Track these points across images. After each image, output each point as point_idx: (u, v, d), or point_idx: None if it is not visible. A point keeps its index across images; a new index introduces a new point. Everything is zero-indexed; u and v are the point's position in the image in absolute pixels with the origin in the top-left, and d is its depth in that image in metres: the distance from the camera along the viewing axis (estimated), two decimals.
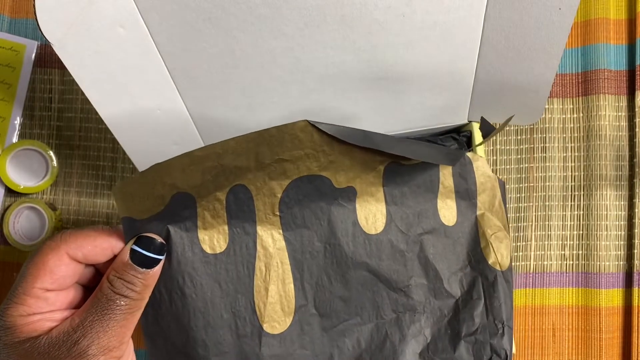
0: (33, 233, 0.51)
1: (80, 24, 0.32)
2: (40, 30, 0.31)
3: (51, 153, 0.52)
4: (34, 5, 0.30)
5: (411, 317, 0.33)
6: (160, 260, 0.29)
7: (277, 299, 0.31)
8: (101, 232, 0.30)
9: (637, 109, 0.51)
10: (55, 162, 0.52)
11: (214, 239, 0.31)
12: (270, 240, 0.32)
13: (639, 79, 0.51)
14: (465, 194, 0.35)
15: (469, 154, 0.36)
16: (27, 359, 0.28)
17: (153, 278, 0.29)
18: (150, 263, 0.29)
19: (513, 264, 0.50)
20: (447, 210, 0.34)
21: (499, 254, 0.34)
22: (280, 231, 0.32)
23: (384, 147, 0.32)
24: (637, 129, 0.51)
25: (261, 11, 0.34)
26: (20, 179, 0.52)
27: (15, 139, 0.53)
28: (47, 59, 0.54)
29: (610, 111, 0.51)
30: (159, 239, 0.29)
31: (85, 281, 0.31)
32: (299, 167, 0.32)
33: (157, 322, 0.31)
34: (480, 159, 0.36)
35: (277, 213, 0.32)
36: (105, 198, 0.53)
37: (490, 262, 0.34)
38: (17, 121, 0.53)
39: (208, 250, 0.31)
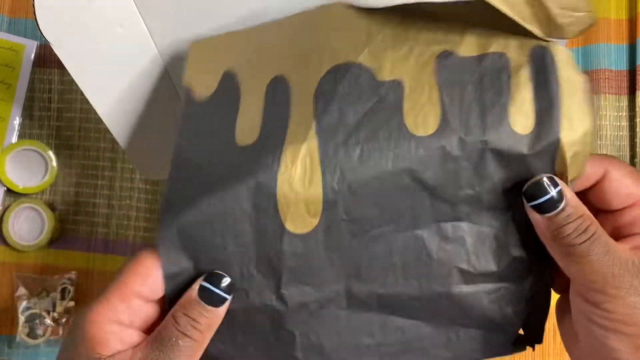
0: (32, 233, 0.51)
1: (79, 24, 0.32)
2: (39, 29, 0.31)
3: (51, 153, 0.52)
4: (33, 5, 0.30)
5: (454, 228, 0.29)
6: (228, 300, 0.29)
7: (302, 200, 0.28)
8: None
9: (637, 109, 0.50)
10: (54, 162, 0.52)
11: (246, 127, 0.30)
12: (301, 135, 0.28)
13: None
14: (546, 100, 0.27)
15: (552, 48, 0.28)
16: None
17: (218, 318, 0.29)
18: (217, 301, 0.29)
19: None
20: (522, 116, 0.27)
21: (572, 177, 0.28)
22: (313, 126, 0.28)
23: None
24: (637, 129, 0.51)
25: None
26: (20, 179, 0.51)
27: (14, 139, 0.53)
28: (47, 59, 0.53)
29: (610, 111, 0.51)
30: (228, 278, 0.29)
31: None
32: (336, 54, 0.29)
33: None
34: (566, 55, 0.28)
35: (312, 106, 0.29)
36: (105, 198, 0.52)
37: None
38: (17, 121, 0.53)
39: (238, 141, 0.30)
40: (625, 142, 0.51)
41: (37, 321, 0.50)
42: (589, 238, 0.27)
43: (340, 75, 0.29)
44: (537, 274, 0.30)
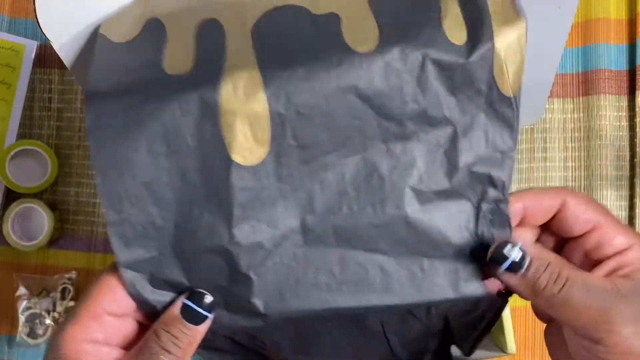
0: (33, 233, 0.51)
1: (80, 22, 0.32)
2: (39, 27, 0.30)
3: (51, 153, 0.52)
4: (34, 2, 0.30)
5: (403, 148, 0.29)
6: (209, 318, 0.29)
7: (247, 125, 0.27)
8: None
9: (637, 109, 0.51)
10: (55, 162, 0.52)
11: (177, 57, 0.29)
12: (241, 62, 0.27)
13: None
14: (475, 12, 0.29)
15: None
16: None
17: (199, 335, 0.29)
18: (199, 319, 0.29)
19: None
20: (455, 29, 0.28)
21: (513, 78, 0.29)
22: (252, 54, 0.28)
23: None
24: (637, 129, 0.51)
25: None
26: (20, 179, 0.51)
27: (14, 139, 0.53)
28: (47, 58, 0.53)
29: (610, 111, 0.51)
30: (210, 297, 0.29)
31: (142, 318, 0.30)
32: (270, 0, 0.30)
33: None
34: None
35: (250, 40, 0.29)
36: None
37: (501, 88, 0.29)
38: (17, 121, 0.53)
39: (168, 70, 0.28)
40: (625, 142, 0.51)
41: (37, 321, 0.50)
42: (565, 284, 0.28)
43: (277, 14, 0.29)
44: (491, 188, 0.30)
